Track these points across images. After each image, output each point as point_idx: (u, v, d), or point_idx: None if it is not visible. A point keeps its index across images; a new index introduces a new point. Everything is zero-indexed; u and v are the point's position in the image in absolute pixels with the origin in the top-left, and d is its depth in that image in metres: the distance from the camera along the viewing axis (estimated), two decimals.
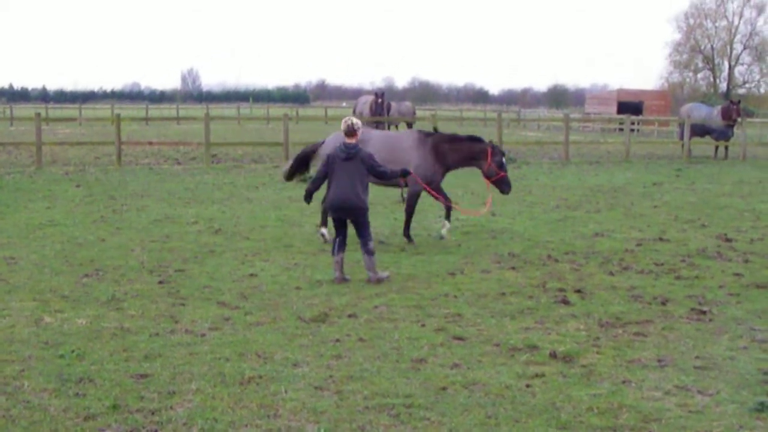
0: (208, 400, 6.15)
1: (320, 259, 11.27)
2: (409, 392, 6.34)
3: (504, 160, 12.63)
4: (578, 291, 9.68)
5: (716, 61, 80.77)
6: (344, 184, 9.96)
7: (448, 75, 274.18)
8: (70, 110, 73.67)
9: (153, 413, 5.89)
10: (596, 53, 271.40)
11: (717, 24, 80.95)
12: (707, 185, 21.72)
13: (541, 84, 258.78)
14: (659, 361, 7.18)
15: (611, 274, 10.70)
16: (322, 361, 7.06)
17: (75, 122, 47.85)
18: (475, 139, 12.84)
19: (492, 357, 7.25)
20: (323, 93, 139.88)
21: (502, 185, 12.61)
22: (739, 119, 32.08)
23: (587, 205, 17.27)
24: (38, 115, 26.22)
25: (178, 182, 20.89)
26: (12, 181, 20.74)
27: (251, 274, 10.42)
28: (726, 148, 32.38)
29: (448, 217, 13.05)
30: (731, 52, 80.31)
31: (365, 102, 32.26)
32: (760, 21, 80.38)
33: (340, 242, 10.12)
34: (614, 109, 65.92)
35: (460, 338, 7.78)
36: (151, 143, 30.12)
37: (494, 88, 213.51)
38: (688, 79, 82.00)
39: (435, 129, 13.47)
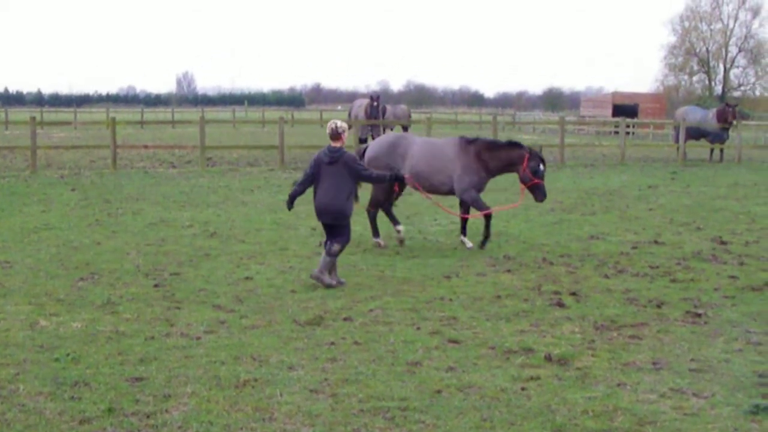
0: (204, 403, 6.15)
1: (315, 263, 11.26)
2: (404, 395, 6.34)
3: (541, 167, 12.26)
4: (573, 294, 9.70)
5: (711, 64, 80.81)
6: (327, 189, 9.88)
7: (443, 78, 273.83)
8: (65, 114, 73.55)
9: (148, 416, 5.89)
10: (591, 56, 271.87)
11: (712, 27, 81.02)
12: (702, 188, 21.77)
13: (536, 87, 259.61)
14: (654, 363, 7.19)
15: (606, 276, 10.71)
16: (318, 364, 7.06)
17: (70, 126, 47.81)
18: (513, 145, 12.51)
19: (487, 360, 7.26)
20: (319, 96, 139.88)
21: (536, 192, 12.28)
22: (735, 122, 32.15)
23: (582, 208, 17.30)
24: (33, 118, 26.19)
25: (174, 186, 20.88)
26: (7, 184, 20.71)
27: (246, 278, 10.42)
28: (721, 150, 32.44)
29: (463, 230, 12.77)
30: (726, 55, 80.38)
31: (360, 105, 32.25)
32: (755, 24, 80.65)
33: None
34: (609, 112, 65.95)
35: (455, 341, 7.79)
36: (146, 147, 30.08)
37: (489, 91, 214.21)
38: (683, 82, 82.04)
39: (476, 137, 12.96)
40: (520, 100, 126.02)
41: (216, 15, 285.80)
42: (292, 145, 28.24)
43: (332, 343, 7.67)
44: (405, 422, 5.84)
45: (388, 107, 39.82)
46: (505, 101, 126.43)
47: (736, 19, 79.79)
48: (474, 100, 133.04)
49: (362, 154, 13.03)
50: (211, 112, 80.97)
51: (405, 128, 47.86)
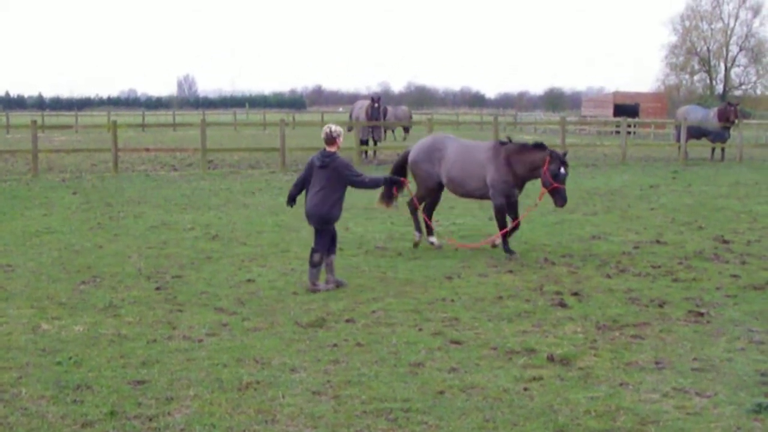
0: (206, 406, 6.15)
1: None
2: (406, 396, 6.34)
3: (562, 170, 11.69)
4: (575, 294, 9.69)
5: (712, 63, 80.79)
6: (316, 193, 9.88)
7: (444, 79, 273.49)
8: (66, 117, 73.61)
9: (151, 420, 5.89)
10: (592, 56, 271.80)
11: (713, 26, 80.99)
12: (704, 187, 21.76)
13: (537, 87, 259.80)
14: (657, 363, 7.18)
15: (608, 276, 10.70)
16: (320, 366, 7.06)
17: (71, 129, 47.90)
18: (537, 147, 12.10)
19: (489, 360, 7.26)
20: (320, 98, 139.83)
21: (555, 197, 11.78)
22: (737, 121, 32.13)
23: (584, 208, 17.29)
24: (34, 122, 26.26)
25: (175, 189, 20.89)
26: (8, 188, 20.74)
27: (248, 280, 10.42)
28: (722, 149, 32.42)
29: (505, 244, 12.18)
30: (727, 54, 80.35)
31: (361, 107, 32.21)
32: (756, 23, 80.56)
33: (326, 246, 10.10)
34: (610, 111, 65.98)
35: (457, 342, 7.78)
36: (147, 150, 30.13)
37: (490, 92, 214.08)
38: (684, 82, 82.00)
39: (509, 138, 12.71)
40: (522, 100, 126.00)
41: (216, 17, 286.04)
42: (293, 148, 28.27)
43: (334, 345, 7.67)
44: (408, 423, 5.84)
45: (389, 108, 39.83)
46: (506, 102, 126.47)
47: (736, 18, 79.81)
48: (475, 100, 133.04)
49: (406, 159, 12.97)
50: (212, 115, 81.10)
51: (406, 129, 47.98)
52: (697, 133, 32.85)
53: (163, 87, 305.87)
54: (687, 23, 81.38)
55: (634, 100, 68.93)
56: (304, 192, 10.19)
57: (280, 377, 6.77)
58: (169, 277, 10.61)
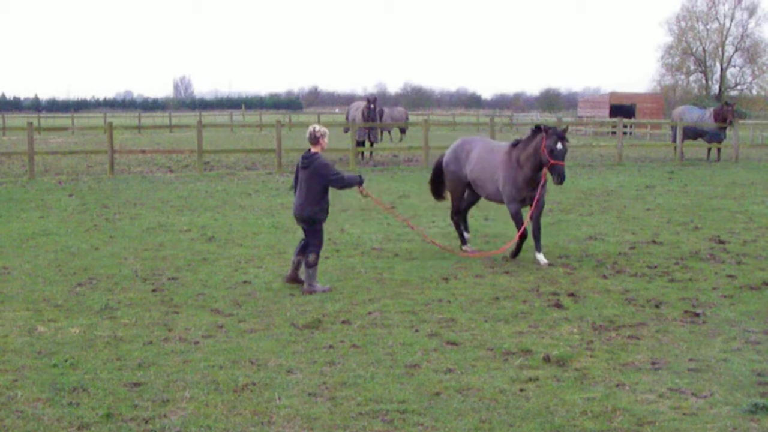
0: (202, 407, 6.14)
1: None
2: (402, 398, 6.34)
3: (558, 145, 11.24)
4: (572, 294, 9.70)
5: (708, 64, 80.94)
6: (299, 193, 10.02)
7: (440, 80, 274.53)
8: (62, 119, 73.59)
9: (147, 422, 5.88)
10: (588, 57, 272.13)
11: (708, 26, 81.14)
12: (700, 187, 21.77)
13: (533, 88, 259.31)
14: (653, 363, 7.19)
15: (605, 277, 10.71)
16: (316, 368, 7.06)
17: (67, 131, 47.76)
18: (534, 131, 11.64)
19: (486, 361, 7.26)
20: (316, 99, 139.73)
21: (553, 174, 11.35)
22: (734, 121, 32.15)
23: (580, 209, 17.30)
24: (30, 124, 26.15)
25: (171, 190, 20.86)
26: (4, 190, 20.70)
27: (244, 282, 10.42)
28: (718, 150, 32.45)
29: (517, 251, 11.93)
30: (723, 55, 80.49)
31: (357, 108, 32.22)
32: (752, 23, 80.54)
33: (302, 246, 10.15)
34: (607, 112, 65.98)
35: (453, 343, 7.79)
36: (143, 151, 30.06)
37: (487, 93, 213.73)
38: (680, 82, 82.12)
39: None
40: (518, 101, 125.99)
41: (213, 19, 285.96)
42: (289, 149, 28.22)
43: (330, 347, 7.67)
44: (404, 425, 5.84)
45: (386, 110, 39.85)
46: (502, 102, 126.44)
47: (732, 18, 79.97)
48: (471, 101, 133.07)
49: (441, 162, 12.93)
50: (209, 116, 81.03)
51: (402, 131, 47.99)
52: (693, 133, 32.88)
53: (160, 88, 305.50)
54: (683, 24, 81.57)
55: (631, 101, 68.92)
56: None
57: (276, 379, 6.77)
58: (165, 278, 10.60)
